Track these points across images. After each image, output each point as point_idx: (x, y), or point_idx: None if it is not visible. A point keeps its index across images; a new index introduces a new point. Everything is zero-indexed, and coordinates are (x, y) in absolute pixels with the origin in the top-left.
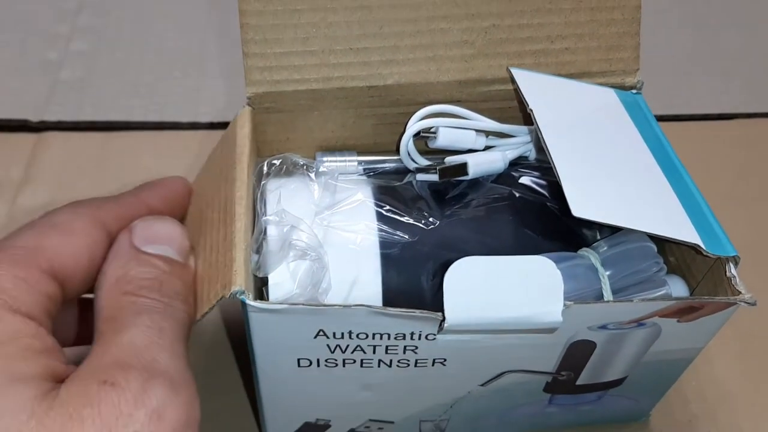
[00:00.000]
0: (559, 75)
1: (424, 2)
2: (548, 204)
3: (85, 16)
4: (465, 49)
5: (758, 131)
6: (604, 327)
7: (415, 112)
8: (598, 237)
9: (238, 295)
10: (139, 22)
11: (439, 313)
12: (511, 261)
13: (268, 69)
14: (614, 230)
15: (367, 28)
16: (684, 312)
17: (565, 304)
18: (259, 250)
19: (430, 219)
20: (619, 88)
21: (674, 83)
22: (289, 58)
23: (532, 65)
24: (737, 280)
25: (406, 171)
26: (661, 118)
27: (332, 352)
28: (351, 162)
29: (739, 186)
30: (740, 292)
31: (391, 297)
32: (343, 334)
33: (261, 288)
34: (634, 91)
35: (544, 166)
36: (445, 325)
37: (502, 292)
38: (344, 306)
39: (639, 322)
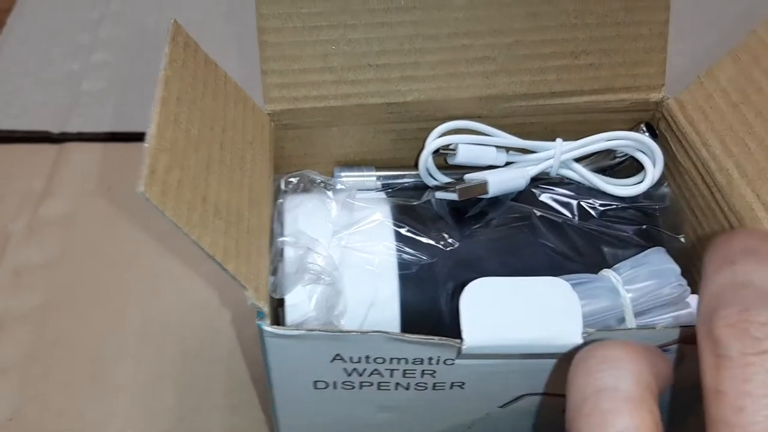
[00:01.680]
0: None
1: (447, 18)
2: (569, 223)
3: (107, 26)
4: (487, 65)
5: None
6: None
7: (434, 128)
8: (621, 257)
9: (257, 320)
10: (160, 32)
11: (458, 340)
12: (527, 282)
13: (286, 86)
14: (638, 250)
15: (387, 44)
16: None
17: (586, 332)
18: (275, 271)
19: (449, 240)
20: (644, 103)
21: None
22: (308, 75)
23: (555, 81)
24: None
25: (425, 187)
26: None
27: (349, 375)
28: (369, 177)
29: None
30: None
31: (410, 319)
32: (360, 358)
33: (277, 309)
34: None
35: (565, 181)
36: (464, 350)
37: (520, 314)
38: (362, 332)
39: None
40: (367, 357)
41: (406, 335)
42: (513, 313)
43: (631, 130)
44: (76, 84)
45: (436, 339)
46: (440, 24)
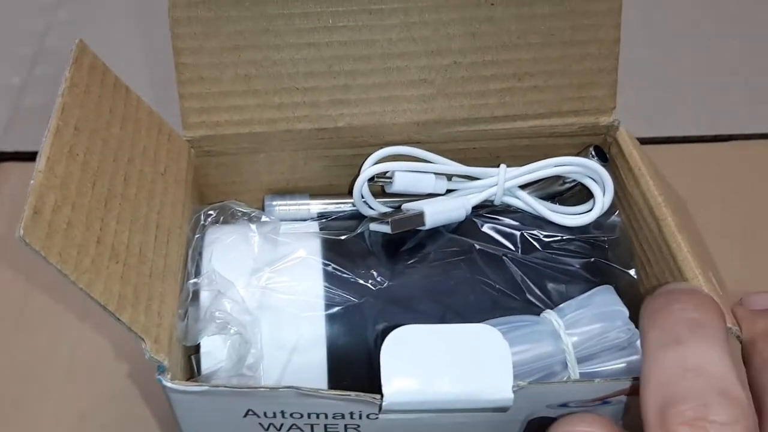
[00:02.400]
0: None
1: (379, 39)
2: (511, 256)
3: (54, 38)
4: (423, 88)
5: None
6: (564, 405)
7: (371, 153)
8: (566, 293)
9: (157, 374)
10: (107, 45)
11: (377, 396)
12: (453, 330)
13: (206, 110)
14: (585, 286)
15: (315, 66)
16: None
17: (517, 385)
18: (186, 316)
19: (378, 278)
20: (593, 127)
21: (667, 101)
22: (230, 98)
23: (497, 105)
24: None
25: (363, 216)
26: (652, 141)
27: (266, 430)
28: (303, 205)
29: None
30: None
31: (338, 364)
32: (275, 413)
33: (191, 356)
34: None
35: (509, 209)
36: (384, 406)
37: (445, 366)
38: (270, 388)
39: (604, 400)
40: (282, 412)
41: (321, 390)
42: (437, 365)
43: (579, 153)
44: (16, 99)
45: (352, 395)
46: (372, 45)
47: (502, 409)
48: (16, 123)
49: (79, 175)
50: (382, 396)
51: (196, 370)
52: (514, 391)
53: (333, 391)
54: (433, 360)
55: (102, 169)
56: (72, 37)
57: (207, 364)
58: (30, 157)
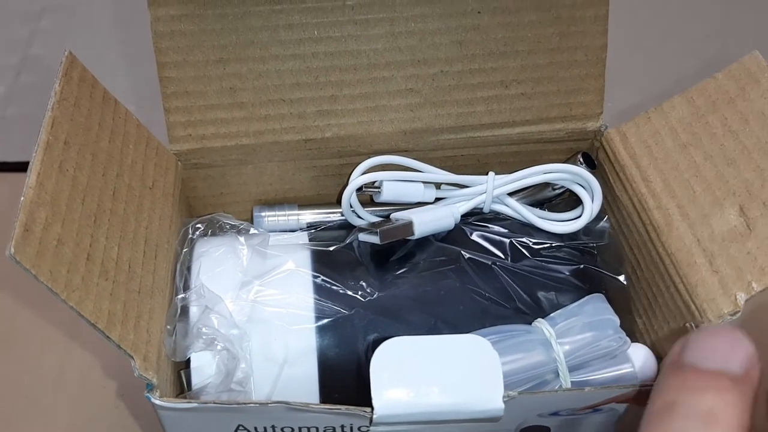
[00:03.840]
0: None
1: (365, 49)
2: (500, 264)
3: (38, 46)
4: (410, 97)
5: None
6: (555, 414)
7: (359, 163)
8: (556, 301)
9: (146, 392)
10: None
11: (367, 409)
12: (443, 341)
13: (192, 124)
14: (575, 293)
15: (301, 77)
16: (644, 397)
17: (508, 395)
18: (174, 331)
19: (368, 289)
20: (580, 132)
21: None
22: (215, 111)
23: (484, 112)
24: None
25: (352, 226)
26: None
27: None
28: (292, 216)
29: None
30: None
31: (330, 376)
32: (265, 428)
33: (180, 372)
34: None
35: (499, 217)
36: (375, 419)
37: (435, 378)
38: (260, 403)
39: (594, 408)
40: (273, 427)
41: (310, 405)
42: (427, 376)
43: (567, 160)
44: (2, 108)
45: (343, 408)
46: (358, 55)
47: (494, 419)
48: (0, 132)
49: (69, 190)
50: (372, 409)
51: (186, 385)
52: (504, 402)
53: (323, 405)
54: (423, 371)
55: (91, 185)
56: (56, 45)
57: (197, 380)
58: (14, 167)
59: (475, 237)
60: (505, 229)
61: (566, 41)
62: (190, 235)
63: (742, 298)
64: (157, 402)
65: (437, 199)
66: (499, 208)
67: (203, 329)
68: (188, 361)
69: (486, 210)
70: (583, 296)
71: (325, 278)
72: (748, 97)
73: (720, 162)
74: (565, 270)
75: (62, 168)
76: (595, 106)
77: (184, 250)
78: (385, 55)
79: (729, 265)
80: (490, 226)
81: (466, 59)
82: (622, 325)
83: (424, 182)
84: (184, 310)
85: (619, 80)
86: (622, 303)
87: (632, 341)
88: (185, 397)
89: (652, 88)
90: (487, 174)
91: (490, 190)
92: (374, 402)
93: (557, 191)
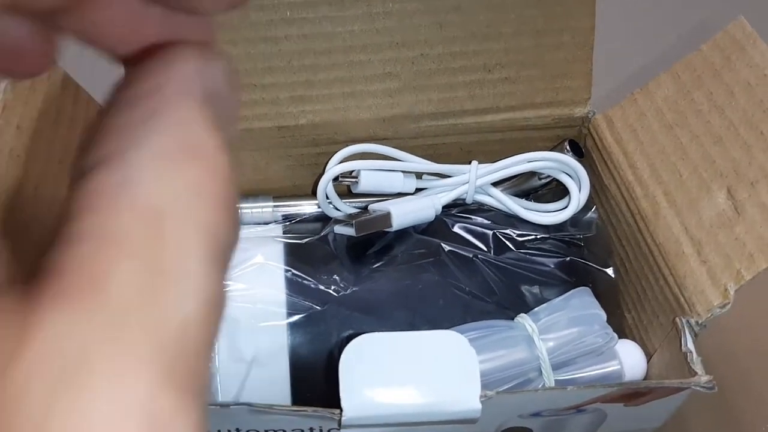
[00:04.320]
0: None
1: (341, 31)
2: (482, 257)
3: None
4: (389, 82)
5: None
6: (537, 414)
7: (336, 152)
8: (540, 295)
9: None
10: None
11: (336, 411)
12: (417, 338)
13: None
14: (560, 287)
15: (274, 61)
16: (631, 397)
17: (485, 395)
18: None
19: (342, 284)
20: (567, 119)
21: None
22: None
23: (466, 98)
24: (694, 356)
25: (328, 218)
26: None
27: None
28: (266, 208)
29: None
30: (696, 372)
31: (301, 374)
32: (229, 431)
33: None
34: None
35: (482, 208)
36: (344, 421)
37: (408, 377)
38: (220, 405)
39: (578, 409)
40: (237, 430)
41: (275, 406)
42: (400, 375)
43: (554, 148)
44: None
45: (309, 410)
46: (333, 37)
47: (471, 421)
48: None
49: (20, 178)
50: (341, 410)
51: None
52: (481, 402)
53: (288, 406)
54: (395, 370)
55: (46, 172)
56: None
57: None
58: None
59: (456, 229)
60: (489, 220)
61: (552, 23)
62: None
63: (731, 288)
64: None
65: (418, 190)
66: (483, 198)
67: None
68: None
69: (469, 201)
70: (570, 290)
71: (296, 272)
72: (734, 68)
73: (706, 141)
74: (551, 263)
75: (12, 154)
76: (582, 91)
77: None
78: (361, 37)
79: (717, 253)
80: (472, 217)
81: (446, 41)
82: (610, 321)
83: (403, 172)
84: None
85: (605, 59)
86: (610, 297)
87: (621, 337)
88: None
89: (636, 62)
90: (469, 163)
91: (473, 179)
92: (343, 403)
93: (543, 181)
